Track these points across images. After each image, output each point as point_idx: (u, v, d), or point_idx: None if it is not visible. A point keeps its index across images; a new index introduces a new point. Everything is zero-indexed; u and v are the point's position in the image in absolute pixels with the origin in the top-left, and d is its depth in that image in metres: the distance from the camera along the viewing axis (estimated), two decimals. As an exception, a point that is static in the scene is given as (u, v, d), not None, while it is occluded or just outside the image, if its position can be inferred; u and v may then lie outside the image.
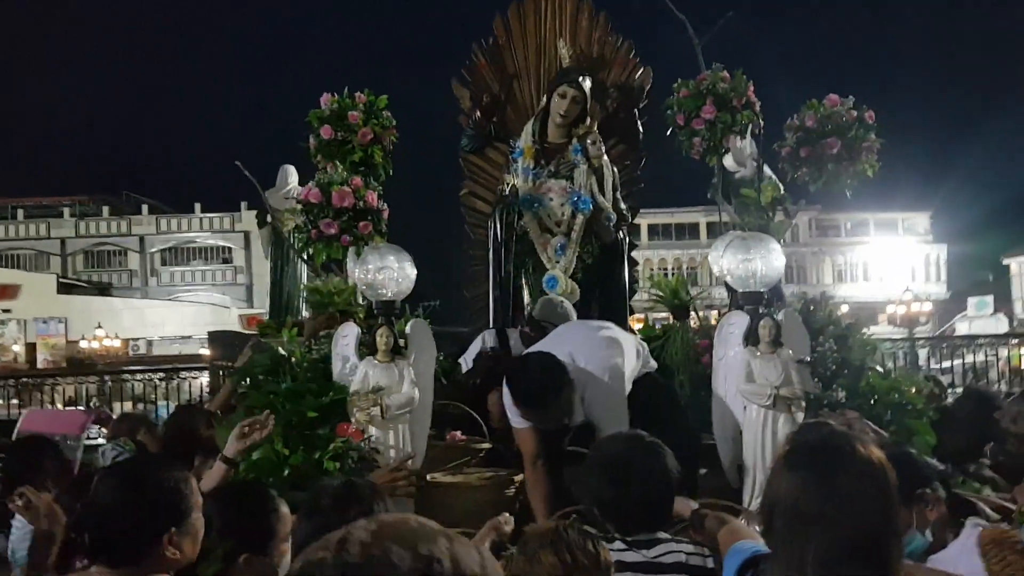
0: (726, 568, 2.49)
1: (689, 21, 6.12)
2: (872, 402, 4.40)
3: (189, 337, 34.18)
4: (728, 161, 5.63)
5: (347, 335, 4.60)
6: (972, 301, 43.17)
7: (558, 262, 6.02)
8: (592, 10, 6.74)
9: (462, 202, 6.76)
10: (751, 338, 4.46)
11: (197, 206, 48.77)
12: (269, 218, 13.69)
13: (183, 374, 15.91)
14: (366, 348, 4.52)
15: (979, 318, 40.12)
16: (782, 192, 13.07)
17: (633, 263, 6.56)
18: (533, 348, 4.76)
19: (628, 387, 4.56)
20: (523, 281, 6.21)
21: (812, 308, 4.84)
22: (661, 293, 5.72)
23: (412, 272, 4.65)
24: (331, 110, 5.34)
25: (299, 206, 5.04)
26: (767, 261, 4.56)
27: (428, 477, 4.50)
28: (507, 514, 3.47)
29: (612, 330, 4.78)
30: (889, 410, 4.33)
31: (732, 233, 5.52)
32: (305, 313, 13.98)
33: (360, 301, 5.10)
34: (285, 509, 2.98)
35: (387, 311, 4.57)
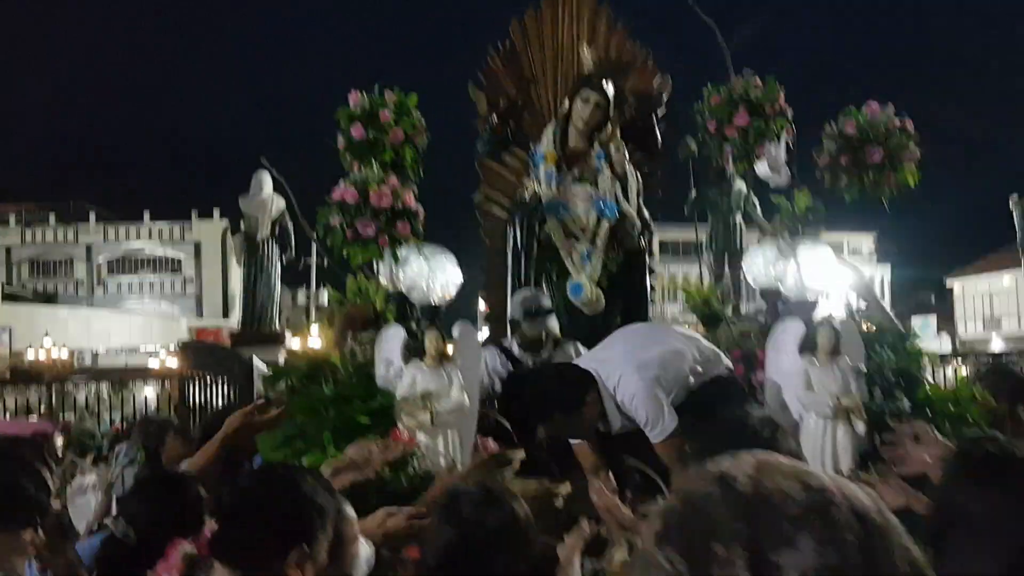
0: None
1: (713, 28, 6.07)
2: (929, 413, 4.34)
3: (137, 349, 33.34)
4: (761, 169, 5.57)
5: (391, 338, 4.42)
6: (915, 322, 44.09)
7: (584, 269, 5.89)
8: (610, 16, 6.67)
9: (477, 208, 6.60)
10: (807, 346, 4.39)
11: (146, 214, 47.82)
12: (242, 225, 13.50)
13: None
14: (410, 352, 4.36)
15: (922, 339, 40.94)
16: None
17: (652, 272, 6.47)
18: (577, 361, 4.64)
19: (691, 385, 4.40)
20: (544, 288, 6.07)
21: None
22: (692, 302, 5.62)
23: (457, 275, 4.50)
24: (362, 109, 5.16)
25: (333, 205, 4.82)
26: (818, 268, 4.51)
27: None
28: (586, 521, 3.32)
29: (678, 333, 4.65)
30: (947, 421, 4.27)
31: (767, 240, 5.47)
32: (278, 323, 13.76)
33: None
34: (351, 511, 2.80)
35: (432, 314, 4.42)
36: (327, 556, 2.68)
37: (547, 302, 5.53)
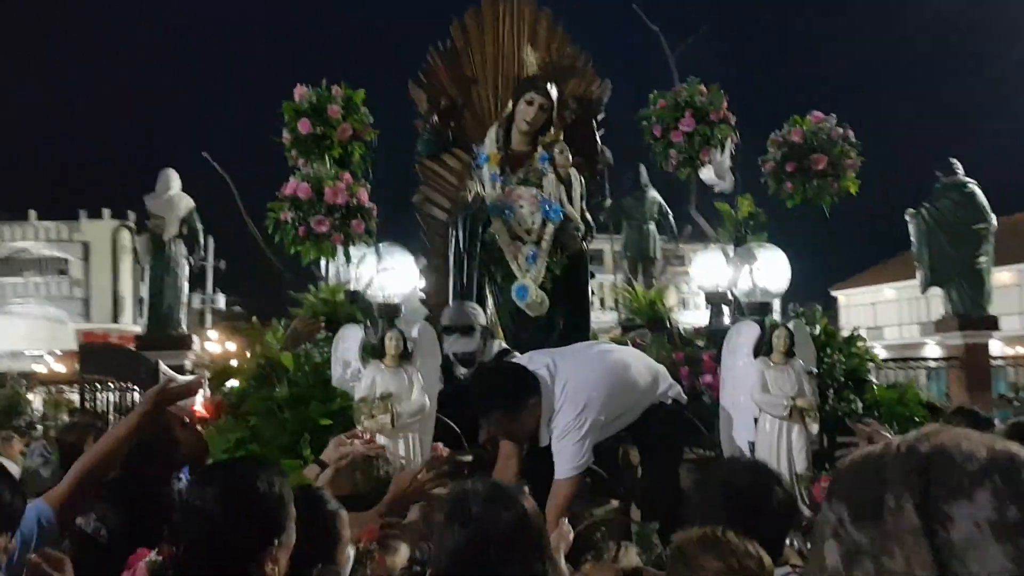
0: None
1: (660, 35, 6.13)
2: (877, 414, 4.46)
3: (22, 353, 31.70)
4: (706, 174, 5.65)
5: (348, 338, 4.29)
6: (804, 330, 45.64)
7: (528, 271, 5.85)
8: (551, 20, 6.67)
9: (417, 209, 6.50)
10: (762, 348, 4.46)
11: (32, 214, 45.56)
12: (148, 224, 12.97)
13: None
14: (368, 353, 4.24)
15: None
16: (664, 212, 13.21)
17: (592, 276, 6.49)
18: (527, 359, 4.58)
19: (631, 413, 4.43)
20: (488, 291, 6.02)
21: (807, 321, 4.87)
22: (637, 306, 5.66)
23: (416, 273, 4.41)
24: (309, 103, 5.01)
25: (285, 201, 4.65)
26: (774, 271, 4.59)
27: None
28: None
29: (626, 355, 4.65)
30: (895, 421, 4.40)
31: (713, 247, 5.55)
32: (185, 326, 13.29)
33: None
34: (344, 513, 2.72)
35: (391, 314, 4.30)
36: (336, 560, 2.59)
37: (472, 319, 5.40)
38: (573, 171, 6.12)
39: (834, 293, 51.33)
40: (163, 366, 11.65)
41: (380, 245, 4.49)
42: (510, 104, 6.22)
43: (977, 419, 4.38)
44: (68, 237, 44.11)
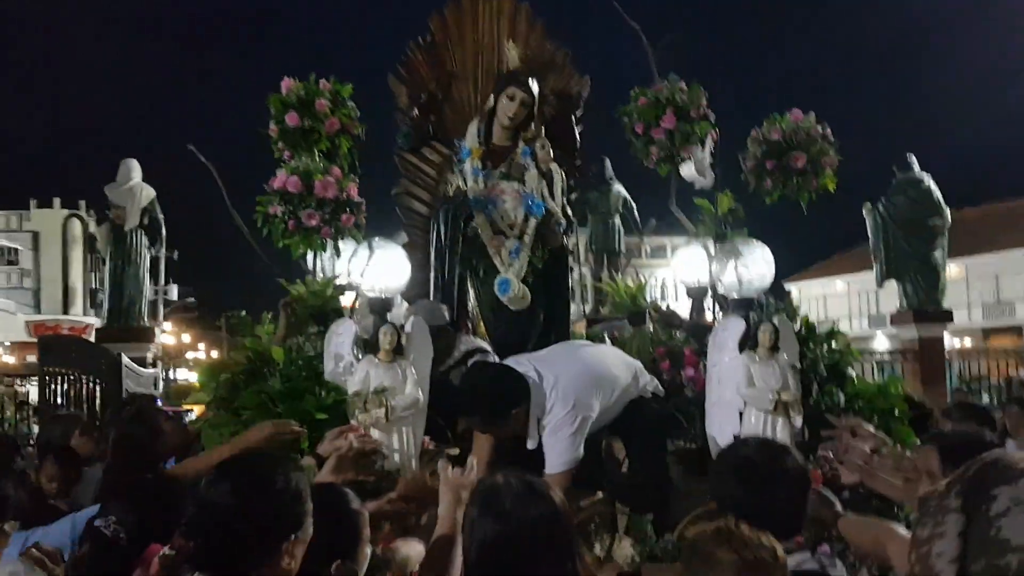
0: None
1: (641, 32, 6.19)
2: (858, 407, 4.58)
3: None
4: (687, 171, 5.73)
5: (342, 332, 4.30)
6: (758, 322, 46.31)
7: (511, 265, 5.88)
8: (530, 15, 6.69)
9: (397, 202, 6.50)
10: (748, 343, 4.55)
11: (-21, 203, 44.47)
12: (110, 214, 12.77)
13: None
14: (362, 347, 4.25)
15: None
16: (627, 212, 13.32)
17: (572, 271, 6.55)
18: (514, 362, 4.62)
19: (612, 410, 4.50)
20: (469, 284, 6.04)
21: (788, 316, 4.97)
22: (618, 299, 5.72)
23: (407, 267, 4.42)
24: (297, 96, 4.99)
25: (274, 195, 4.63)
26: (759, 266, 4.68)
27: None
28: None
29: (602, 353, 4.72)
30: (875, 415, 4.52)
31: (697, 242, 5.64)
32: (147, 318, 13.11)
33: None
34: (365, 512, 2.74)
35: (383, 308, 4.32)
36: (358, 560, 2.61)
37: (440, 317, 5.44)
38: (554, 166, 6.17)
39: (787, 286, 52.19)
40: (126, 358, 11.52)
41: (373, 239, 4.50)
42: (491, 99, 6.24)
43: (978, 412, 4.52)
44: (17, 227, 43.10)
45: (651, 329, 5.77)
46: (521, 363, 4.51)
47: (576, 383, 4.35)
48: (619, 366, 4.72)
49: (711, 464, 3.02)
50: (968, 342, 26.28)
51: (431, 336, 5.24)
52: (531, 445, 4.27)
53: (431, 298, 5.92)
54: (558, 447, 4.14)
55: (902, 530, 2.68)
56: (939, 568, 1.27)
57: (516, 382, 4.20)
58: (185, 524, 2.29)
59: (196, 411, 8.49)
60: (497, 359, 5.62)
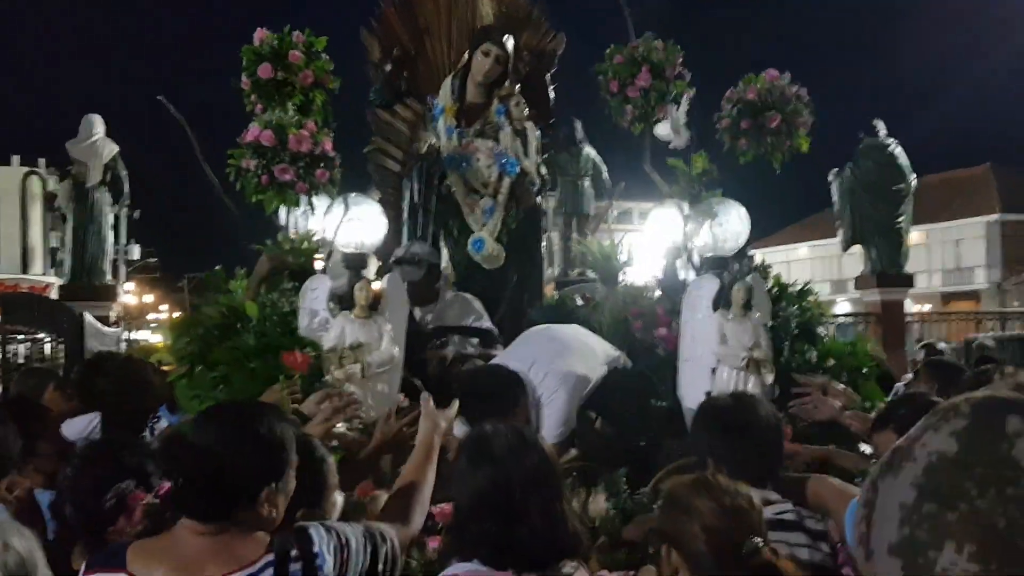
0: (850, 520, 2.50)
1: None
2: (828, 365, 4.64)
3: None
4: (662, 130, 5.72)
5: (316, 288, 4.27)
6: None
7: (485, 224, 5.87)
8: (503, -31, 6.61)
9: (369, 159, 6.43)
10: (721, 302, 4.58)
11: (-75, 157, 43.18)
12: (71, 170, 12.52)
13: None
14: (337, 303, 4.22)
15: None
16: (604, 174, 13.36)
17: (545, 231, 6.54)
18: (496, 360, 4.61)
19: (591, 389, 4.52)
20: (443, 243, 6.01)
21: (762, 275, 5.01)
22: (592, 259, 5.73)
23: (383, 222, 4.39)
24: (270, 47, 4.90)
25: (247, 148, 4.55)
26: (734, 226, 4.70)
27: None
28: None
29: (576, 333, 4.73)
30: (845, 373, 4.58)
31: (671, 202, 5.65)
32: (110, 277, 12.93)
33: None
34: (332, 460, 2.75)
35: (358, 264, 4.28)
36: (321, 505, 2.61)
37: (421, 251, 5.43)
38: (529, 124, 6.13)
39: (752, 251, 52.62)
40: (89, 317, 11.37)
41: (349, 195, 4.45)
42: (466, 55, 6.18)
43: (949, 368, 4.62)
44: (-27, 184, 42.09)
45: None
46: (509, 359, 4.50)
47: (560, 361, 4.38)
48: (593, 341, 4.76)
49: (693, 419, 3.08)
50: (928, 307, 26.75)
51: (422, 276, 5.25)
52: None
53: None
54: (551, 419, 4.17)
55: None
56: None
57: (514, 376, 4.17)
58: (166, 465, 2.28)
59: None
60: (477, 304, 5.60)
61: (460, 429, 4.11)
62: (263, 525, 2.17)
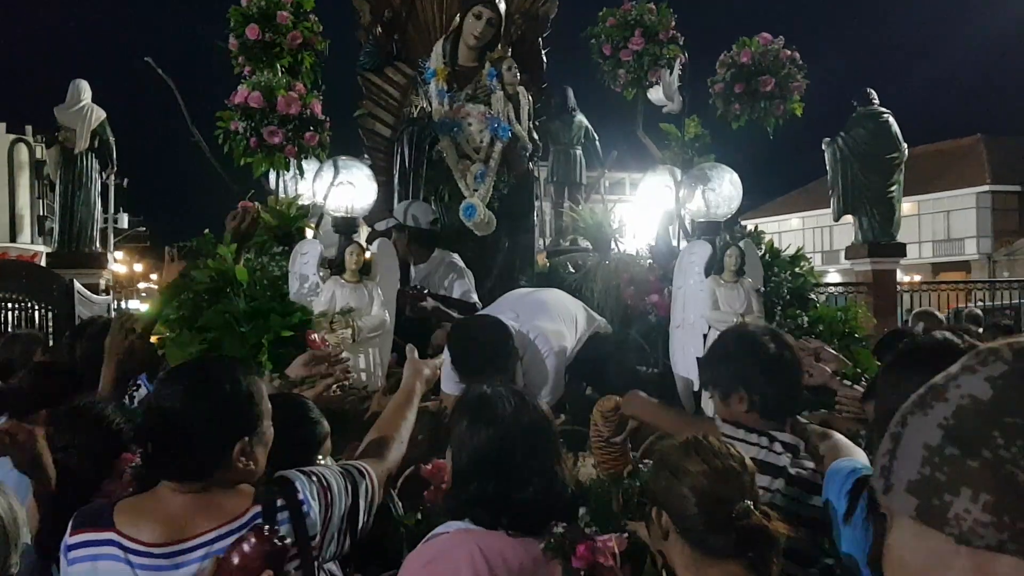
0: (831, 487, 2.48)
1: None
2: (819, 330, 4.63)
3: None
4: (655, 95, 5.67)
5: (307, 252, 4.23)
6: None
7: (476, 190, 5.81)
8: (495, -69, 6.50)
9: (359, 124, 6.35)
10: (714, 267, 4.56)
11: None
12: (59, 137, 12.39)
13: None
14: (327, 267, 4.19)
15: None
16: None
17: (537, 197, 6.49)
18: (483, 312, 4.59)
19: (575, 352, 4.51)
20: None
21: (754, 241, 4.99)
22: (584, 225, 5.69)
23: (374, 187, 4.34)
24: (258, 8, 4.82)
25: (236, 111, 4.49)
26: (726, 191, 4.67)
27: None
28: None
29: (558, 296, 4.71)
30: (835, 338, 4.58)
31: (664, 168, 5.61)
32: (98, 245, 12.85)
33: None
34: (325, 422, 2.74)
35: (348, 228, 4.24)
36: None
37: (430, 214, 5.48)
38: (521, 89, 6.06)
39: (743, 221, 52.62)
40: (78, 284, 11.30)
41: (339, 159, 4.39)
42: (457, 18, 6.10)
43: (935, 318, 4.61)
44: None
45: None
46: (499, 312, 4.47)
47: (548, 325, 4.36)
48: (575, 306, 4.74)
49: (712, 348, 3.01)
50: (918, 277, 26.81)
51: (419, 235, 5.24)
52: (518, 385, 4.26)
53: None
54: (544, 382, 4.16)
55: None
56: None
57: (508, 330, 4.14)
58: (136, 430, 2.27)
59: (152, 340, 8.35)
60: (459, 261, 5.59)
61: (452, 384, 4.12)
62: (244, 477, 2.17)
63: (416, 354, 3.04)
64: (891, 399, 2.00)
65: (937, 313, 6.00)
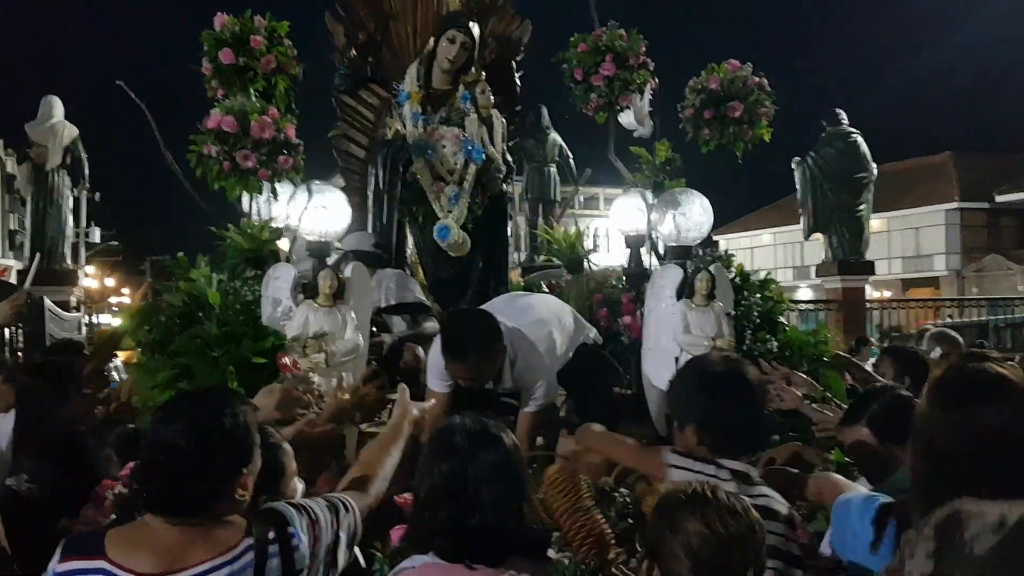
0: (847, 519, 2.38)
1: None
2: (788, 354, 4.69)
3: None
4: (626, 119, 5.74)
5: (280, 276, 4.24)
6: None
7: (450, 211, 5.84)
8: (469, -45, 6.56)
9: (334, 145, 6.38)
10: (685, 291, 4.62)
11: None
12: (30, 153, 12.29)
13: None
14: (301, 291, 4.20)
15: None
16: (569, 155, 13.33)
17: (511, 218, 6.54)
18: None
19: (565, 356, 4.55)
20: (409, 230, 5.99)
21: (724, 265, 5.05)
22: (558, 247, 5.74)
23: (348, 211, 4.36)
24: (231, 32, 4.83)
25: (209, 135, 4.49)
26: (696, 216, 4.73)
27: (362, 427, 4.26)
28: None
29: (546, 299, 4.75)
30: (805, 361, 4.64)
31: (635, 190, 5.67)
32: (70, 261, 12.74)
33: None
34: (288, 446, 2.75)
35: (322, 253, 4.26)
36: (275, 490, 2.61)
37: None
38: (495, 111, 6.11)
39: (716, 237, 52.89)
40: (48, 302, 11.19)
41: (313, 183, 4.41)
42: (431, 41, 6.14)
43: (908, 353, 4.67)
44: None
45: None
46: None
47: (538, 329, 4.39)
48: (564, 312, 4.77)
49: (674, 378, 2.97)
50: (888, 293, 27.11)
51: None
52: (506, 384, 4.30)
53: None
54: (540, 389, 4.21)
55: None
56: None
57: (496, 322, 4.19)
58: (138, 468, 2.26)
59: (122, 357, 8.32)
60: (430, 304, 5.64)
61: (437, 381, 4.14)
62: (236, 508, 2.19)
63: (408, 394, 3.03)
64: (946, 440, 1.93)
65: (954, 334, 5.92)
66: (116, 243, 39.99)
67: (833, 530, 2.48)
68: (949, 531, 1.40)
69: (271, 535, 2.15)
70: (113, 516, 2.54)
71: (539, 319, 4.48)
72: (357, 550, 2.80)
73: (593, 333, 4.91)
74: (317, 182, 4.47)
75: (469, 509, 2.25)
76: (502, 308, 4.61)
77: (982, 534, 1.33)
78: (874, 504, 2.26)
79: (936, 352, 5.83)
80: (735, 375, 2.73)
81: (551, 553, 2.75)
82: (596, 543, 2.91)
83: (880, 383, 3.84)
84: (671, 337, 4.60)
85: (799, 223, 13.80)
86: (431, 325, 5.23)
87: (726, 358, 2.87)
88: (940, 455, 1.88)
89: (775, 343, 4.71)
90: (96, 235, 36.80)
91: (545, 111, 13.92)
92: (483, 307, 4.69)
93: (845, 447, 3.10)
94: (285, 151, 4.57)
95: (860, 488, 2.57)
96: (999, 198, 36.81)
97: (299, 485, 2.75)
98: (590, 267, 5.82)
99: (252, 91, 4.76)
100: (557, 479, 2.95)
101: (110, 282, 36.39)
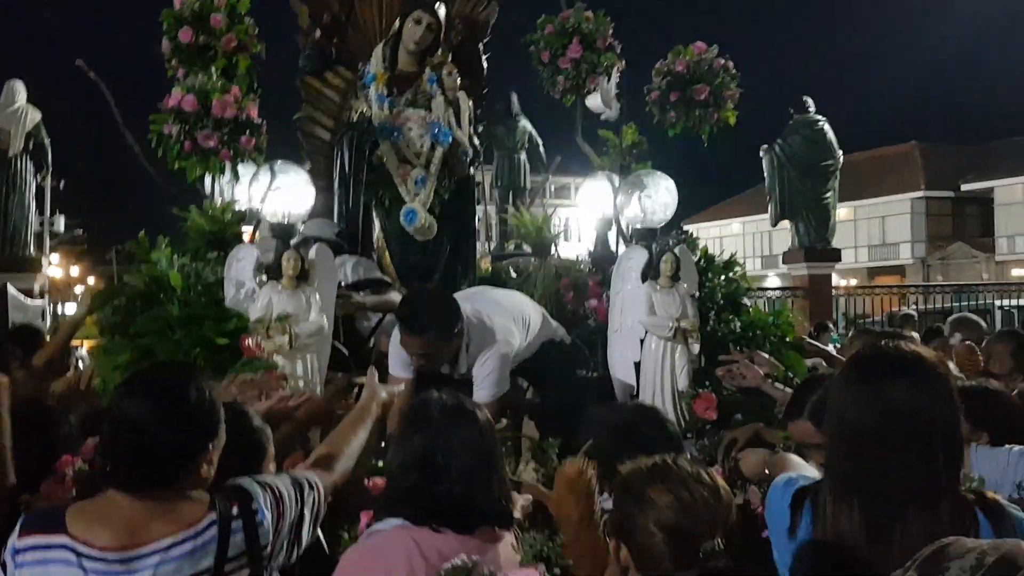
0: (770, 506, 2.30)
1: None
2: (752, 335, 4.72)
3: None
4: (593, 102, 5.73)
5: (243, 258, 4.19)
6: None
7: (417, 195, 5.80)
8: (436, -65, 6.50)
9: (299, 127, 6.31)
10: (650, 273, 4.63)
11: None
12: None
13: None
14: (264, 273, 4.15)
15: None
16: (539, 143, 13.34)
17: (478, 203, 6.51)
18: None
19: (527, 352, 4.55)
20: (375, 214, 5.94)
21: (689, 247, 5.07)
22: (525, 231, 5.73)
23: (311, 191, 4.32)
24: (191, 11, 4.77)
25: (170, 114, 4.42)
26: (662, 198, 4.74)
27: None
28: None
29: (512, 295, 4.75)
30: (768, 342, 4.67)
31: (602, 174, 5.67)
32: (33, 248, 12.56)
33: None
34: (268, 428, 2.74)
35: (285, 234, 4.22)
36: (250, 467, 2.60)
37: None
38: (462, 94, 6.07)
39: (686, 226, 53.14)
40: (12, 289, 11.04)
41: (276, 163, 4.36)
42: (397, 22, 6.08)
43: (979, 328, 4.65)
44: None
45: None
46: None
47: (497, 319, 4.38)
48: (531, 310, 4.77)
49: (585, 419, 2.97)
50: (854, 281, 27.40)
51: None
52: (462, 370, 4.29)
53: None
54: (489, 379, 4.18)
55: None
56: None
57: (456, 304, 4.19)
58: (103, 443, 2.24)
59: (85, 345, 8.23)
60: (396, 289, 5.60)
61: (399, 366, 4.13)
62: (200, 483, 2.17)
63: (376, 377, 3.06)
64: (854, 414, 1.94)
65: (976, 318, 5.88)
66: (81, 231, 39.56)
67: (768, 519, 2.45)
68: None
69: (235, 511, 2.15)
70: (74, 492, 2.50)
71: (501, 313, 4.48)
72: (321, 534, 2.79)
73: (562, 332, 4.91)
74: (279, 162, 4.42)
75: (438, 477, 2.28)
76: (467, 295, 4.61)
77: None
78: (792, 488, 2.16)
79: (956, 338, 5.81)
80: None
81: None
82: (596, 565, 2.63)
83: (818, 372, 3.88)
84: (636, 319, 4.61)
85: (768, 212, 13.90)
86: (395, 295, 5.18)
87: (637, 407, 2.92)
88: (849, 430, 1.93)
89: (738, 323, 4.73)
90: (60, 224, 36.36)
91: (515, 98, 13.87)
92: (475, 292, 4.70)
93: (796, 443, 3.10)
94: (247, 131, 4.51)
95: (806, 470, 2.55)
96: (964, 187, 37.30)
97: (273, 468, 2.74)
98: (557, 254, 5.80)
99: (213, 70, 4.69)
100: (577, 481, 2.65)
101: (75, 271, 35.97)
